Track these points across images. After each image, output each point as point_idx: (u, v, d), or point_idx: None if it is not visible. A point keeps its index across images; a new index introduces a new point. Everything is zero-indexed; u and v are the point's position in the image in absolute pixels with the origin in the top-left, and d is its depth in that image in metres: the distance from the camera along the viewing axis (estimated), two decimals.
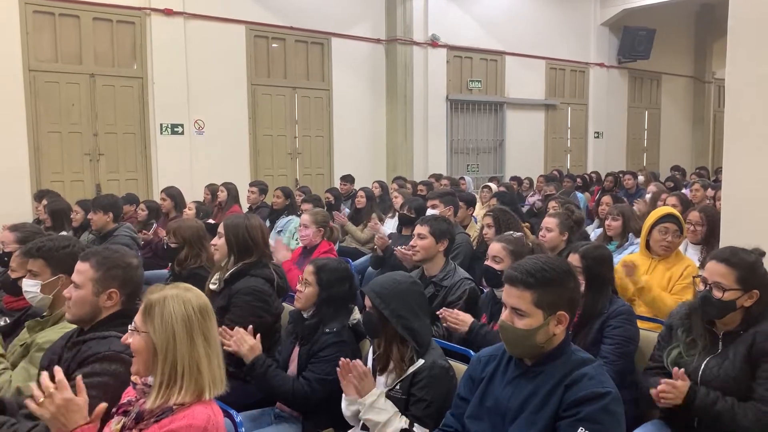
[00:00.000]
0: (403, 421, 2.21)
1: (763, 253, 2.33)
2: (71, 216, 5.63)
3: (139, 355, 1.75)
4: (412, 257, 3.52)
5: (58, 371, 1.60)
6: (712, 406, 2.17)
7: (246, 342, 2.66)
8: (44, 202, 5.86)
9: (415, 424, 2.20)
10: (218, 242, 3.26)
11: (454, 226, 4.68)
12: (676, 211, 3.67)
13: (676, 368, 2.26)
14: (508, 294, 1.86)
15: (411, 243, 3.51)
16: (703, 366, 2.31)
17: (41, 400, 1.55)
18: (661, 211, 3.74)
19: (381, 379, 2.39)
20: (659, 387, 2.23)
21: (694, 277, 2.55)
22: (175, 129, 8.55)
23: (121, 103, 8.29)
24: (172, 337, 1.71)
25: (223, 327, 2.70)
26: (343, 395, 2.38)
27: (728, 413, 2.15)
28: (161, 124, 8.45)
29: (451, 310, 3.04)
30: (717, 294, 2.27)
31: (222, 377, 1.79)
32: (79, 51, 7.98)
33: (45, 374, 1.59)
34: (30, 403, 1.56)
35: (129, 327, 1.80)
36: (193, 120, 8.73)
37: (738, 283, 2.26)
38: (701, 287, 2.34)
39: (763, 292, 2.27)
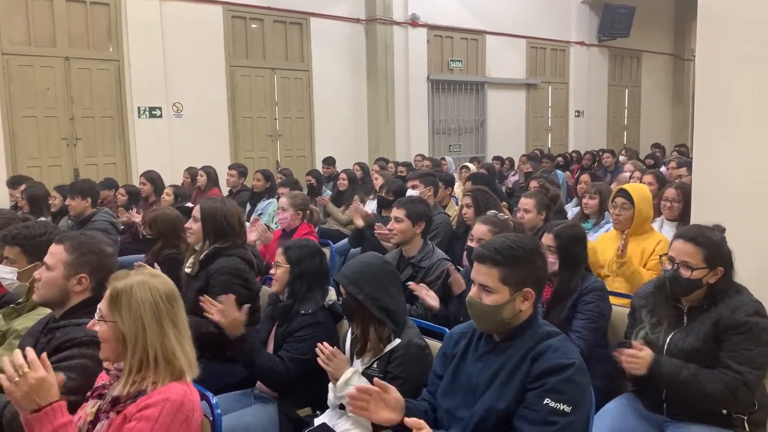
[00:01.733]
0: None
1: (724, 230, 2.39)
2: (49, 202, 5.58)
3: (107, 343, 1.75)
4: (390, 240, 3.55)
5: (30, 351, 1.61)
6: (676, 375, 2.24)
7: (232, 314, 2.65)
8: (22, 187, 5.80)
9: None
10: (193, 226, 3.23)
11: (434, 206, 4.72)
12: (627, 187, 3.75)
13: (636, 341, 2.33)
14: (476, 271, 1.90)
15: (388, 226, 3.53)
16: (668, 340, 2.37)
17: (16, 379, 1.56)
18: (616, 189, 3.84)
19: (358, 362, 2.43)
20: (625, 352, 2.29)
21: (661, 255, 2.60)
22: (153, 112, 8.46)
23: (97, 87, 8.18)
24: (142, 326, 1.71)
25: (205, 296, 2.71)
26: (329, 385, 2.40)
27: (693, 380, 2.22)
28: (139, 108, 8.36)
29: (423, 285, 3.09)
30: (685, 273, 2.32)
31: (195, 360, 1.81)
32: (53, 34, 7.84)
33: (18, 352, 1.59)
34: (2, 379, 1.56)
35: (95, 315, 1.79)
36: (171, 103, 8.63)
37: (704, 261, 2.31)
38: (669, 266, 2.39)
39: (727, 269, 2.33)
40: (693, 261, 2.31)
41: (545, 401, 1.73)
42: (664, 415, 2.40)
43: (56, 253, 2.23)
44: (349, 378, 2.29)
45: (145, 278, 1.77)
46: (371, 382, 2.29)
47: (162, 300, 1.75)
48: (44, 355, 1.63)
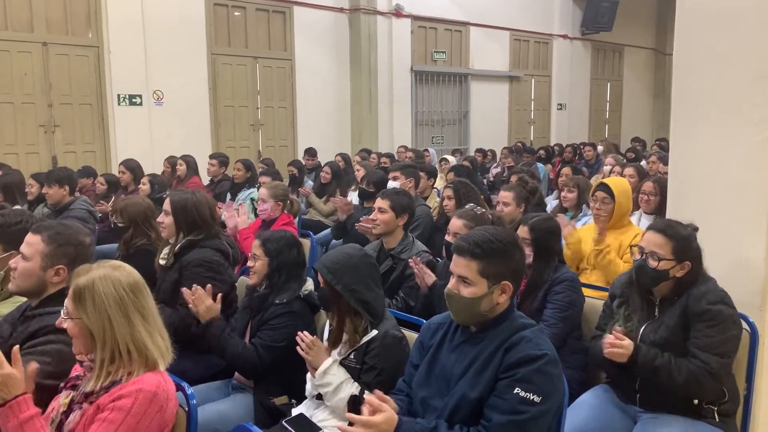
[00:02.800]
0: (354, 387, 2.27)
1: (696, 228, 2.42)
2: (26, 190, 5.49)
3: (77, 338, 1.73)
4: (372, 230, 3.55)
5: None
6: (652, 362, 2.27)
7: (203, 302, 2.69)
8: None
9: (366, 391, 2.24)
10: (165, 220, 3.19)
11: (414, 198, 4.73)
12: (608, 181, 3.80)
13: (618, 327, 2.37)
14: (455, 263, 1.92)
15: (371, 216, 3.53)
16: (641, 332, 2.41)
17: None
18: (597, 183, 3.88)
19: (335, 353, 2.43)
20: (608, 339, 2.32)
21: (631, 246, 2.64)
22: (133, 100, 8.36)
23: (76, 73, 8.06)
24: (108, 321, 1.69)
25: (183, 289, 2.75)
26: (308, 375, 2.41)
27: (665, 369, 2.25)
28: (119, 95, 8.25)
29: (421, 264, 3.11)
30: (652, 263, 2.36)
31: (168, 347, 1.80)
32: (31, 18, 7.70)
33: None
34: None
35: (62, 312, 1.77)
36: (152, 91, 8.53)
37: (673, 253, 2.34)
38: (638, 256, 2.43)
39: (695, 264, 2.36)
40: (661, 251, 2.35)
41: (515, 390, 1.75)
42: (638, 406, 2.44)
43: (33, 243, 2.20)
44: (328, 368, 2.30)
45: (107, 272, 1.74)
46: (351, 373, 2.31)
47: (126, 292, 1.73)
48: (15, 348, 1.61)
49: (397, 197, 3.49)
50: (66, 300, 1.76)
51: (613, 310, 2.53)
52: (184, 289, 2.74)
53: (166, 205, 3.20)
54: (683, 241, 2.36)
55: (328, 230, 5.75)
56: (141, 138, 8.36)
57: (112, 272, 1.74)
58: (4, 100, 7.59)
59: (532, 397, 1.74)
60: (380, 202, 3.48)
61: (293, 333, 2.52)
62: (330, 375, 2.29)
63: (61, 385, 1.81)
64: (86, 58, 8.12)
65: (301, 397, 2.55)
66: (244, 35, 9.59)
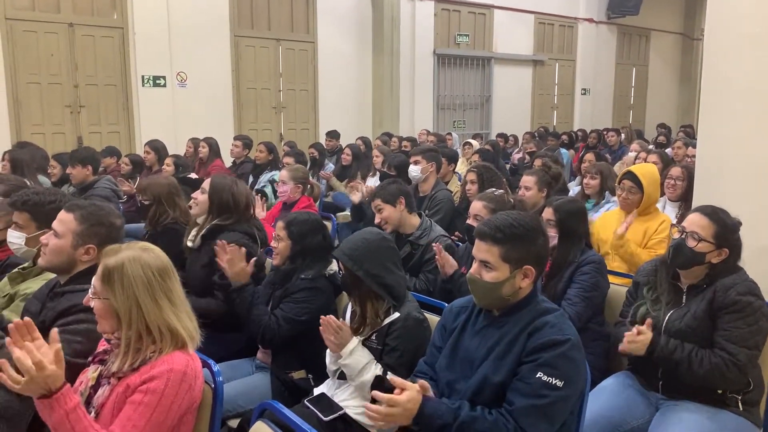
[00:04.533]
0: (378, 369, 2.29)
1: (740, 223, 2.39)
2: (48, 171, 5.54)
3: (104, 318, 1.75)
4: (387, 230, 3.49)
5: (39, 343, 1.59)
6: (670, 355, 2.26)
7: (238, 264, 2.77)
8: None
9: (388, 372, 2.26)
10: (200, 197, 3.25)
11: (436, 183, 4.72)
12: (635, 169, 3.74)
13: (649, 320, 2.34)
14: (477, 248, 1.91)
15: (376, 221, 3.47)
16: (666, 318, 2.39)
17: (22, 382, 1.52)
18: (624, 170, 3.82)
19: (357, 337, 2.46)
20: (627, 334, 2.31)
21: (672, 225, 2.61)
22: (157, 81, 8.42)
23: (101, 54, 8.14)
24: (135, 303, 1.71)
25: (220, 241, 2.84)
26: (327, 351, 2.43)
27: (684, 362, 2.24)
28: (143, 76, 8.32)
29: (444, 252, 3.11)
30: (691, 243, 2.33)
31: (196, 329, 1.82)
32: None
33: (31, 348, 1.55)
34: (7, 382, 1.53)
35: (89, 291, 1.79)
36: (176, 72, 8.59)
37: (714, 237, 2.32)
38: (677, 236, 2.40)
39: (732, 254, 2.34)
40: (703, 233, 2.33)
41: (538, 375, 1.75)
42: (660, 393, 2.43)
43: (66, 221, 2.23)
44: (353, 348, 2.31)
45: (136, 254, 1.75)
46: (373, 354, 2.33)
47: (154, 275, 1.74)
48: (54, 331, 1.60)
49: (383, 191, 3.47)
50: (94, 279, 1.78)
51: (642, 293, 2.51)
52: (220, 242, 2.82)
53: (206, 184, 3.26)
54: (726, 228, 2.34)
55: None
56: (164, 119, 8.43)
57: (142, 254, 1.76)
58: (32, 80, 7.68)
59: (554, 382, 1.74)
60: (374, 203, 3.47)
61: (315, 309, 2.56)
62: (356, 355, 2.31)
63: (89, 359, 1.85)
64: (111, 39, 8.19)
65: (317, 373, 2.59)
66: (267, 17, 9.59)
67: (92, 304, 1.77)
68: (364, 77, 10.75)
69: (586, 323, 2.79)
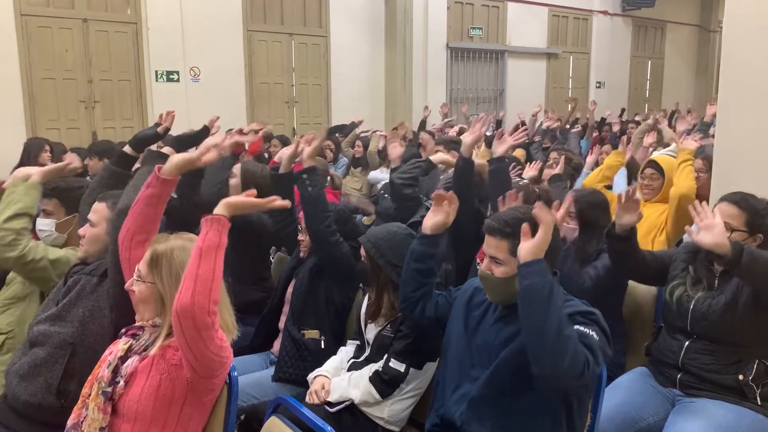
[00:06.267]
0: (367, 369, 2.37)
1: None
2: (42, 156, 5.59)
3: (146, 303, 1.81)
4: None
5: None
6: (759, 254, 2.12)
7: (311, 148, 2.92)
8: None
9: (392, 359, 2.31)
10: (232, 182, 3.37)
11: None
12: (656, 158, 3.77)
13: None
14: (487, 243, 1.92)
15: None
16: (693, 301, 2.36)
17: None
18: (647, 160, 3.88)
19: (372, 326, 2.48)
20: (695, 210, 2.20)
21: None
22: (171, 76, 8.46)
23: (115, 50, 8.18)
24: None
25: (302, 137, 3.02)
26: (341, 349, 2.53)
27: None
28: (156, 71, 8.36)
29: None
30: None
31: (234, 323, 1.87)
32: None
33: None
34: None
35: (134, 274, 1.84)
36: (189, 67, 8.62)
37: (746, 225, 2.31)
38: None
39: (767, 238, 2.32)
40: (734, 222, 2.31)
41: (575, 326, 1.74)
42: (677, 388, 2.40)
43: (99, 210, 2.30)
44: (334, 387, 2.39)
45: (185, 243, 1.83)
46: (386, 342, 2.36)
47: None
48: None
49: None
50: (140, 263, 1.83)
51: (679, 272, 2.47)
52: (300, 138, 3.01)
53: (236, 168, 3.42)
54: (757, 213, 2.32)
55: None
56: (178, 114, 8.27)
57: (189, 244, 1.81)
58: (46, 75, 7.74)
59: (591, 333, 1.74)
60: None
61: (346, 246, 2.69)
62: (340, 389, 2.35)
63: (122, 331, 1.88)
64: (125, 34, 8.22)
65: (330, 338, 2.68)
66: (279, 12, 9.58)
67: (135, 288, 1.81)
68: (376, 71, 10.72)
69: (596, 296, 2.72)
